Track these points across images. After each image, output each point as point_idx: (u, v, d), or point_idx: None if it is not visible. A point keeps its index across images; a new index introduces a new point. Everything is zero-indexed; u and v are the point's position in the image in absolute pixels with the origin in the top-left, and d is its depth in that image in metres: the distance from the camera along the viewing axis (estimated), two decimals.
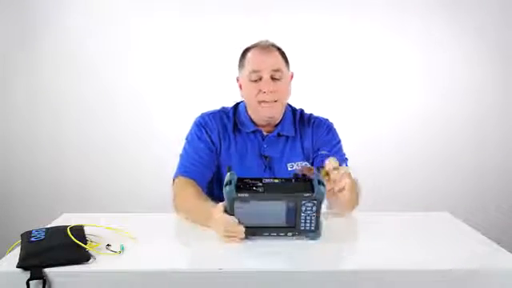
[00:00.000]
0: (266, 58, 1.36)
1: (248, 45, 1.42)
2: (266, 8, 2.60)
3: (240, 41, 1.48)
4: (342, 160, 1.42)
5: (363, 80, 2.69)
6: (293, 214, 1.02)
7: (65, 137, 2.67)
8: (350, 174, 1.07)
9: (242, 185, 1.02)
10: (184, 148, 1.44)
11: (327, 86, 2.65)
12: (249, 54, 1.39)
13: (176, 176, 1.37)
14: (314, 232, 1.04)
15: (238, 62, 1.43)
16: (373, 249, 1.03)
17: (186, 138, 1.45)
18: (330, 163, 1.05)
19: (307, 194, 1.00)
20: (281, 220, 1.03)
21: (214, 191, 1.42)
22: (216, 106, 1.51)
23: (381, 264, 0.93)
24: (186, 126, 1.48)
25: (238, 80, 1.45)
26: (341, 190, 1.04)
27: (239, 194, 1.00)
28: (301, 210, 1.01)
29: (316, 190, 1.00)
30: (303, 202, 1.01)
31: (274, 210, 1.02)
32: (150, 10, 2.61)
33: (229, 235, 1.02)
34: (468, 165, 2.75)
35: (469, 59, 2.69)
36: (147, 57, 2.64)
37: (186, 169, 1.37)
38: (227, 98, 1.52)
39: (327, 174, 1.04)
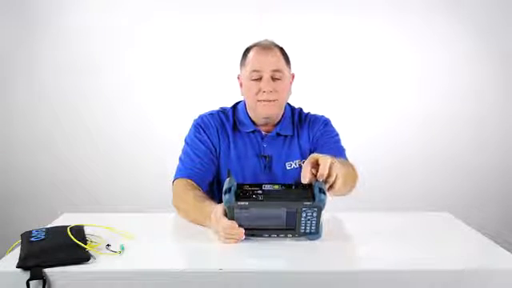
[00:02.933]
0: (267, 58, 1.35)
1: (248, 44, 1.42)
2: (266, 8, 2.60)
3: (240, 41, 1.49)
4: (341, 151, 1.42)
5: (363, 79, 2.70)
6: (293, 220, 1.01)
7: (65, 137, 2.67)
8: (337, 166, 1.01)
9: (242, 192, 1.00)
10: (184, 150, 1.43)
11: (327, 85, 2.65)
12: (250, 53, 1.39)
13: (176, 178, 1.36)
14: (314, 234, 1.03)
15: (239, 61, 1.44)
16: (373, 249, 1.03)
17: (185, 140, 1.45)
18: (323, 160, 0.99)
19: (307, 202, 0.98)
20: (281, 225, 1.02)
21: (214, 192, 1.42)
22: (215, 106, 1.51)
23: (381, 264, 0.93)
24: (185, 126, 1.48)
25: (238, 78, 1.45)
26: (331, 189, 1.02)
27: (239, 203, 0.98)
28: (301, 216, 1.00)
29: (317, 198, 0.98)
30: (303, 209, 0.99)
31: (274, 217, 1.01)
32: (150, 9, 2.61)
33: (228, 237, 1.01)
34: (468, 165, 2.75)
35: (469, 59, 2.69)
36: (147, 57, 2.65)
37: (187, 170, 1.36)
38: (227, 98, 1.52)
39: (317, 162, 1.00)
